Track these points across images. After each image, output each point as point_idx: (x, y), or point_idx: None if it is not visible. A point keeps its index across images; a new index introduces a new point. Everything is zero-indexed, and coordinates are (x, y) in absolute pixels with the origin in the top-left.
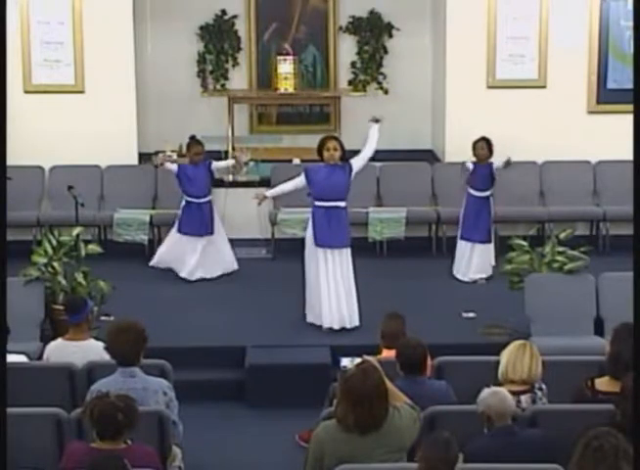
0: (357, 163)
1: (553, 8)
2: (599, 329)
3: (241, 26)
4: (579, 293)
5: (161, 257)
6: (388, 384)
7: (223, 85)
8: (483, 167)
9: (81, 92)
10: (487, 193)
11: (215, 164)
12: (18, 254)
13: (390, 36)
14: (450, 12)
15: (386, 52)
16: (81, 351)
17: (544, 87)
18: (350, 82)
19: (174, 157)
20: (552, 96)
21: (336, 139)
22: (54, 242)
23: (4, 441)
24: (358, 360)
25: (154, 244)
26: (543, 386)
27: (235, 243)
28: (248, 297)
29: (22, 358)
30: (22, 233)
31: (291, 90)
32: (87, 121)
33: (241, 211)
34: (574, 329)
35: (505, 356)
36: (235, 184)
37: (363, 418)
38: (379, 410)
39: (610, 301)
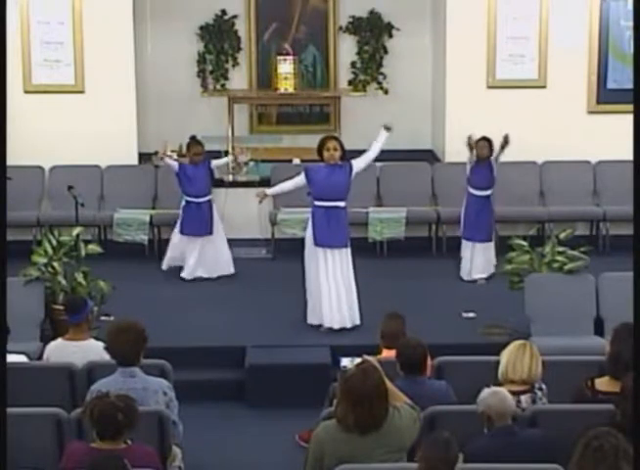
0: (358, 164)
1: (553, 8)
2: (599, 329)
3: (241, 26)
4: (579, 293)
5: (169, 260)
6: (388, 384)
7: (223, 85)
8: (484, 167)
9: (81, 92)
10: (488, 192)
11: (215, 163)
12: (18, 254)
13: (390, 36)
14: (450, 12)
15: (386, 52)
16: (81, 351)
17: (544, 87)
18: (350, 82)
19: (174, 156)
20: (552, 96)
21: (336, 139)
22: (54, 242)
23: (4, 441)
24: (358, 360)
25: (154, 244)
26: (543, 386)
27: (235, 243)
28: (248, 297)
29: (23, 358)
30: (22, 233)
31: (291, 90)
32: (87, 121)
33: (241, 211)
34: (574, 329)
35: (505, 356)
36: (235, 184)
37: (363, 418)
38: (379, 410)
39: (610, 301)
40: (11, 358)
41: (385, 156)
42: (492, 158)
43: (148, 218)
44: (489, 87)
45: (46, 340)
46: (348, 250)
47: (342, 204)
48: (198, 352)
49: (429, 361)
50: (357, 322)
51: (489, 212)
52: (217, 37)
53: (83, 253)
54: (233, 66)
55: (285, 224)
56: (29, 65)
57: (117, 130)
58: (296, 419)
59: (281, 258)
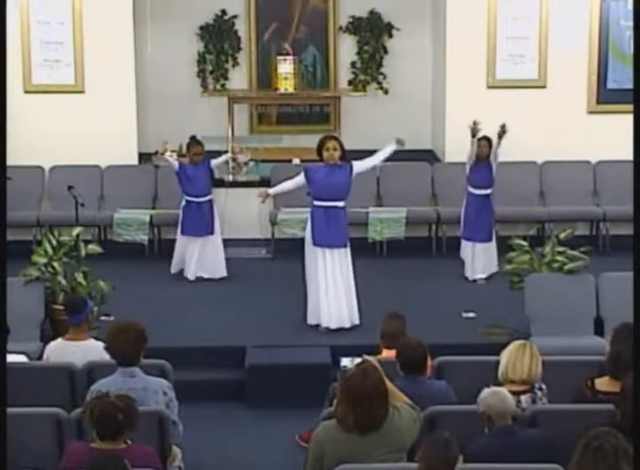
0: (359, 167)
1: (553, 8)
2: (599, 329)
3: (241, 26)
4: (579, 293)
5: (177, 264)
6: (388, 384)
7: (223, 85)
8: (484, 166)
9: (81, 92)
10: (488, 191)
11: (214, 162)
12: (18, 254)
13: (390, 36)
14: (450, 12)
15: (386, 52)
16: (81, 351)
17: (544, 87)
18: (350, 82)
19: (175, 156)
20: (552, 96)
21: (335, 139)
22: (54, 242)
23: (4, 441)
24: (358, 360)
25: (154, 244)
26: (543, 386)
27: (235, 243)
28: (248, 297)
29: (23, 358)
30: (22, 233)
31: (291, 90)
32: (87, 121)
33: (241, 211)
34: (574, 329)
35: (505, 356)
36: (235, 184)
37: (363, 418)
38: (379, 410)
39: (610, 301)
40: (11, 358)
41: None
42: (491, 150)
43: (148, 218)
44: (489, 87)
45: (46, 340)
46: (348, 250)
47: (341, 204)
48: (198, 352)
49: (429, 361)
50: (357, 322)
51: (489, 212)
52: (217, 37)
53: (83, 253)
54: (233, 66)
55: (285, 224)
56: (29, 65)
57: (117, 130)
58: (296, 419)
59: (281, 258)
